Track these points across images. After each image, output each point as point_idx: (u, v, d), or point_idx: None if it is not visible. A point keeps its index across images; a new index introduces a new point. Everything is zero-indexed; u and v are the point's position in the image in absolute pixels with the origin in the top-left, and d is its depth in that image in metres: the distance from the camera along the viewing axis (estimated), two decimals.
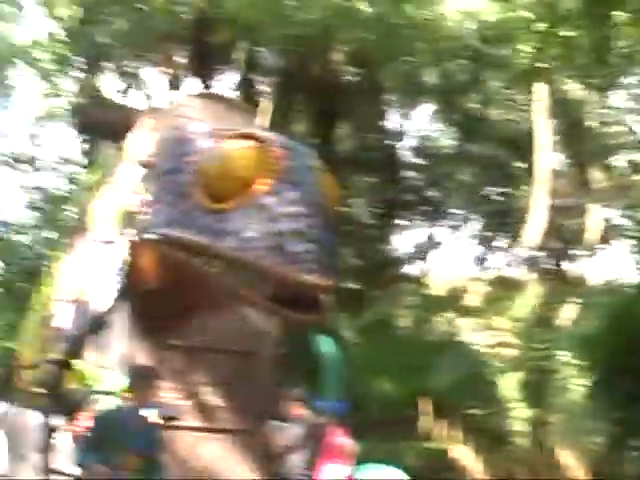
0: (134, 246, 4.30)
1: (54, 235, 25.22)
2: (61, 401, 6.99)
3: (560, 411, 17.54)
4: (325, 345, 10.47)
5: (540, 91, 20.44)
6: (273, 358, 15.02)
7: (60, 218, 25.43)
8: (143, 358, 12.63)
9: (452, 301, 26.49)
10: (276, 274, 3.37)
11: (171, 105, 4.68)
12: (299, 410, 11.20)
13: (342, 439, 9.71)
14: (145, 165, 4.15)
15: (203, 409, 11.90)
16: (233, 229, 3.43)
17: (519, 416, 25.45)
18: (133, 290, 4.57)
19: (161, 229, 3.76)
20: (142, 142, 4.39)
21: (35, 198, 26.92)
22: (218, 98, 4.67)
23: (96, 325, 5.80)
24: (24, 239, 26.33)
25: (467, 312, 24.74)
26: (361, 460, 11.68)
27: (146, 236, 3.89)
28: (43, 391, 7.33)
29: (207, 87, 21.77)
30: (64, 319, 6.52)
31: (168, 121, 4.59)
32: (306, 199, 3.45)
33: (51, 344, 6.79)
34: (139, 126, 4.45)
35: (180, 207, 3.67)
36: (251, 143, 3.64)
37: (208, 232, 3.50)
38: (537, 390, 20.45)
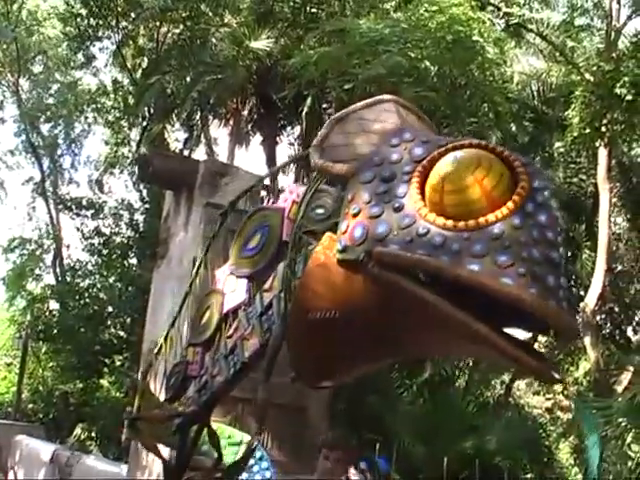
0: (317, 266, 3.68)
1: (114, 280, 25.52)
2: (187, 460, 6.27)
3: (617, 478, 17.24)
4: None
5: (602, 154, 20.37)
6: (324, 414, 15.00)
7: (120, 264, 25.70)
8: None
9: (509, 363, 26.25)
10: (536, 308, 2.84)
11: (358, 108, 3.86)
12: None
13: None
14: (338, 174, 3.63)
15: None
16: (479, 250, 2.92)
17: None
18: (297, 322, 3.95)
19: (374, 246, 3.19)
20: (330, 149, 3.71)
21: (96, 243, 27.21)
22: (403, 105, 3.76)
23: (240, 372, 5.05)
24: (84, 284, 26.61)
25: (524, 374, 24.55)
26: None
27: (347, 256, 3.33)
28: (168, 448, 6.43)
29: (271, 141, 21.96)
30: (198, 365, 5.76)
31: (361, 125, 3.89)
32: (556, 226, 3.03)
33: (181, 394, 6.05)
34: (324, 130, 3.66)
35: (396, 222, 3.15)
36: (491, 153, 3.15)
37: (443, 252, 3.00)
38: None
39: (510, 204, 2.98)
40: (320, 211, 3.81)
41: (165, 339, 6.74)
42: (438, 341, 3.54)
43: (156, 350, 6.80)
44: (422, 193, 3.19)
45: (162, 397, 6.33)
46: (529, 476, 20.71)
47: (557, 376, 3.10)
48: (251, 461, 8.04)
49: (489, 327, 2.92)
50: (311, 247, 3.86)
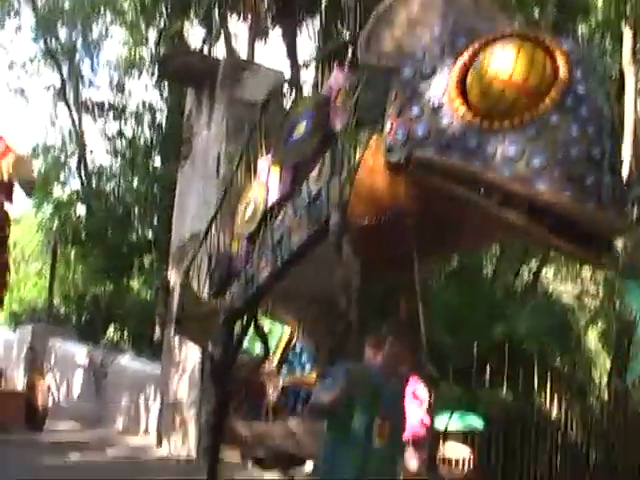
0: (367, 170, 3.60)
1: (139, 181, 25.57)
2: (235, 354, 6.10)
3: None
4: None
5: (627, 37, 20.03)
6: (356, 305, 15.09)
7: (144, 165, 25.72)
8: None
9: (536, 249, 26.23)
10: (570, 211, 2.77)
11: None
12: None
13: (418, 385, 9.59)
14: (383, 69, 3.48)
15: None
16: (513, 153, 2.81)
17: (602, 366, 25.25)
18: (353, 223, 3.88)
19: (413, 150, 3.09)
20: (376, 42, 3.54)
21: (119, 145, 27.18)
22: None
23: (288, 263, 4.90)
24: (109, 187, 26.71)
25: (551, 260, 24.50)
26: (440, 407, 11.65)
27: (392, 157, 3.21)
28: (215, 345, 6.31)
29: (291, 33, 21.71)
30: (243, 258, 5.51)
31: (406, 15, 3.65)
32: (600, 118, 2.83)
33: (225, 289, 5.81)
34: (371, 21, 3.36)
35: (435, 123, 3.02)
36: (530, 45, 2.95)
37: (477, 156, 2.88)
38: (622, 341, 20.24)
39: (547, 100, 2.87)
40: (368, 101, 3.73)
41: (206, 234, 6.56)
42: (477, 235, 3.71)
43: (197, 246, 6.62)
44: (462, 88, 3.08)
45: (205, 292, 6.22)
46: (557, 361, 20.85)
47: (601, 259, 3.05)
48: (290, 355, 8.02)
49: (523, 216, 2.87)
50: (361, 136, 3.82)
